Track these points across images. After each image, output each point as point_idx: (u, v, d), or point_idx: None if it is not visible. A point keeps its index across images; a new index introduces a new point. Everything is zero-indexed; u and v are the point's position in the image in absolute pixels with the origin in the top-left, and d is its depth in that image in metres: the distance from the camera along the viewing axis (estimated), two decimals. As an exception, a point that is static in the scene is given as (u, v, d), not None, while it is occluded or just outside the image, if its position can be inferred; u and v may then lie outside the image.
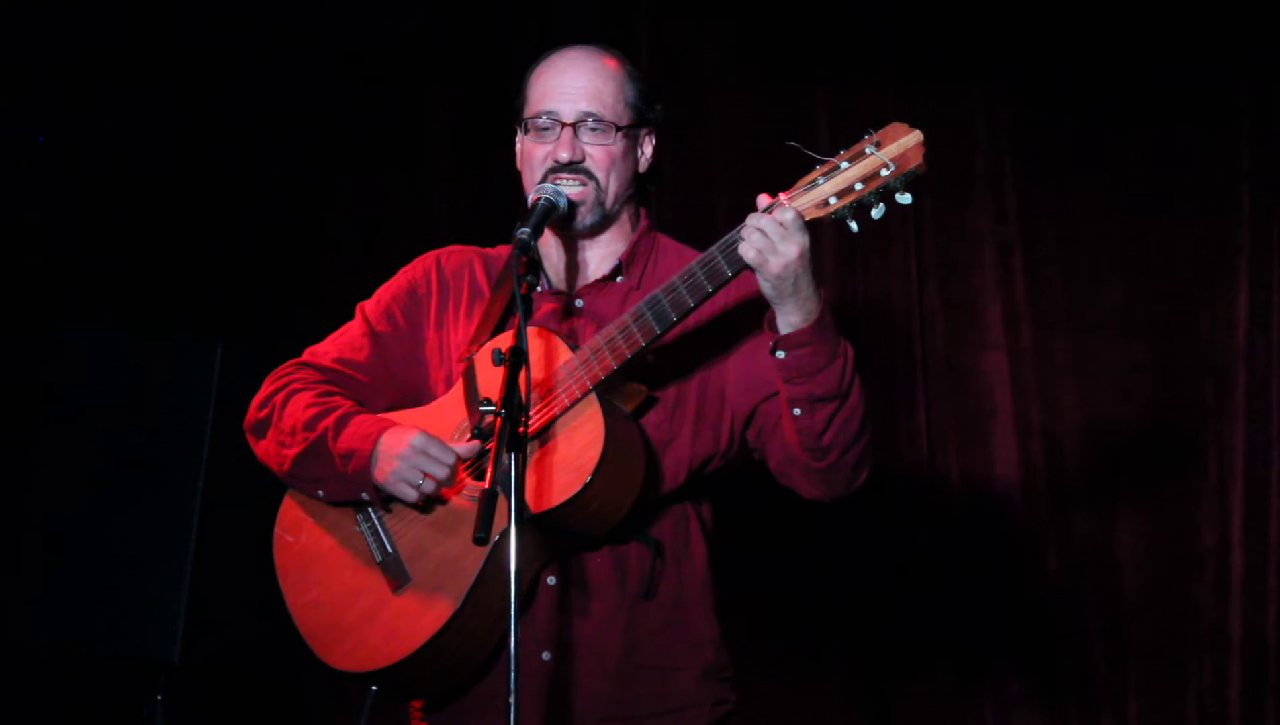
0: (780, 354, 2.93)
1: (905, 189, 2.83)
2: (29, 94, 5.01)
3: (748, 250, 2.86)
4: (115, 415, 4.48)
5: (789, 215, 2.84)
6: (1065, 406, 4.72)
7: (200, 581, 4.38)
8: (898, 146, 2.82)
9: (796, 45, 4.89)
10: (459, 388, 3.12)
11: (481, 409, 2.92)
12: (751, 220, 2.87)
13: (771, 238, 2.84)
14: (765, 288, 2.89)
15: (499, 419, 2.68)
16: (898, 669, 4.81)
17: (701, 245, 3.05)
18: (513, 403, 2.70)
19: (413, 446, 3.01)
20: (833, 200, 2.85)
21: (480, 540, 2.61)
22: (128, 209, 5.15)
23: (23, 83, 4.99)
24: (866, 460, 3.07)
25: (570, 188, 3.11)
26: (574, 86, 3.14)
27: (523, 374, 2.74)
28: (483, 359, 3.07)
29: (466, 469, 3.07)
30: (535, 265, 2.96)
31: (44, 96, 5.03)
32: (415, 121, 5.30)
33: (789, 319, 2.90)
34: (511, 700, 2.62)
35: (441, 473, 3.02)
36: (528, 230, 2.96)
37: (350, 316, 3.33)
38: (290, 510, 3.23)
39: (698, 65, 4.99)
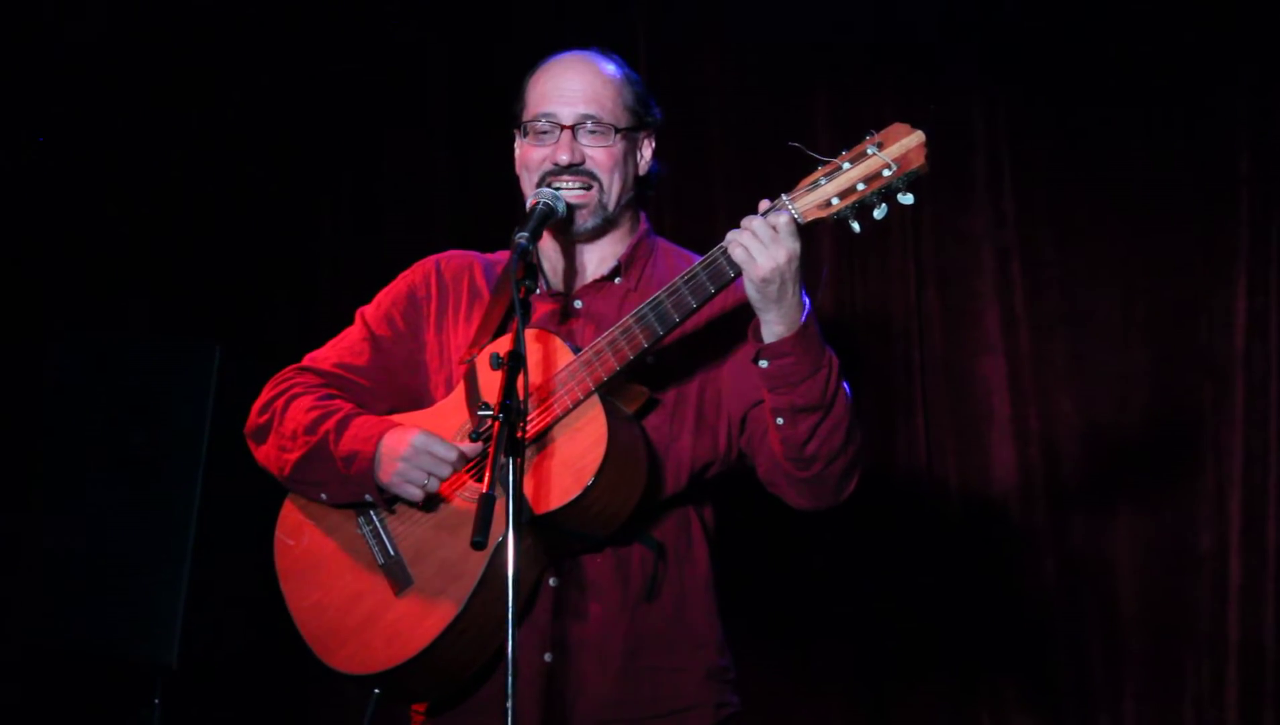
0: (763, 363, 2.91)
1: (907, 189, 2.83)
2: (29, 95, 5.01)
3: (736, 250, 2.85)
4: (114, 418, 4.48)
5: (782, 219, 2.83)
6: (1063, 411, 4.72)
7: (198, 585, 4.38)
8: (900, 147, 2.82)
9: (795, 48, 4.89)
10: (460, 391, 3.11)
11: (480, 413, 2.91)
12: (745, 222, 2.86)
13: (762, 239, 2.82)
14: (750, 291, 2.86)
15: (497, 423, 2.68)
16: (896, 672, 4.80)
17: (701, 249, 3.04)
18: (510, 406, 2.69)
19: (414, 446, 3.00)
20: (835, 201, 2.84)
21: (478, 545, 2.60)
22: (126, 211, 5.15)
23: (22, 84, 4.99)
24: (854, 471, 3.04)
25: (571, 193, 3.10)
26: (572, 89, 3.13)
27: (520, 377, 2.73)
28: (483, 362, 3.06)
29: (469, 470, 3.06)
30: (533, 269, 2.95)
31: (43, 98, 5.03)
32: (414, 124, 5.30)
33: (773, 328, 2.88)
34: (509, 705, 2.61)
35: (445, 471, 3.01)
36: (526, 235, 2.94)
37: (348, 318, 3.33)
38: (291, 514, 3.22)
39: (696, 67, 4.99)
